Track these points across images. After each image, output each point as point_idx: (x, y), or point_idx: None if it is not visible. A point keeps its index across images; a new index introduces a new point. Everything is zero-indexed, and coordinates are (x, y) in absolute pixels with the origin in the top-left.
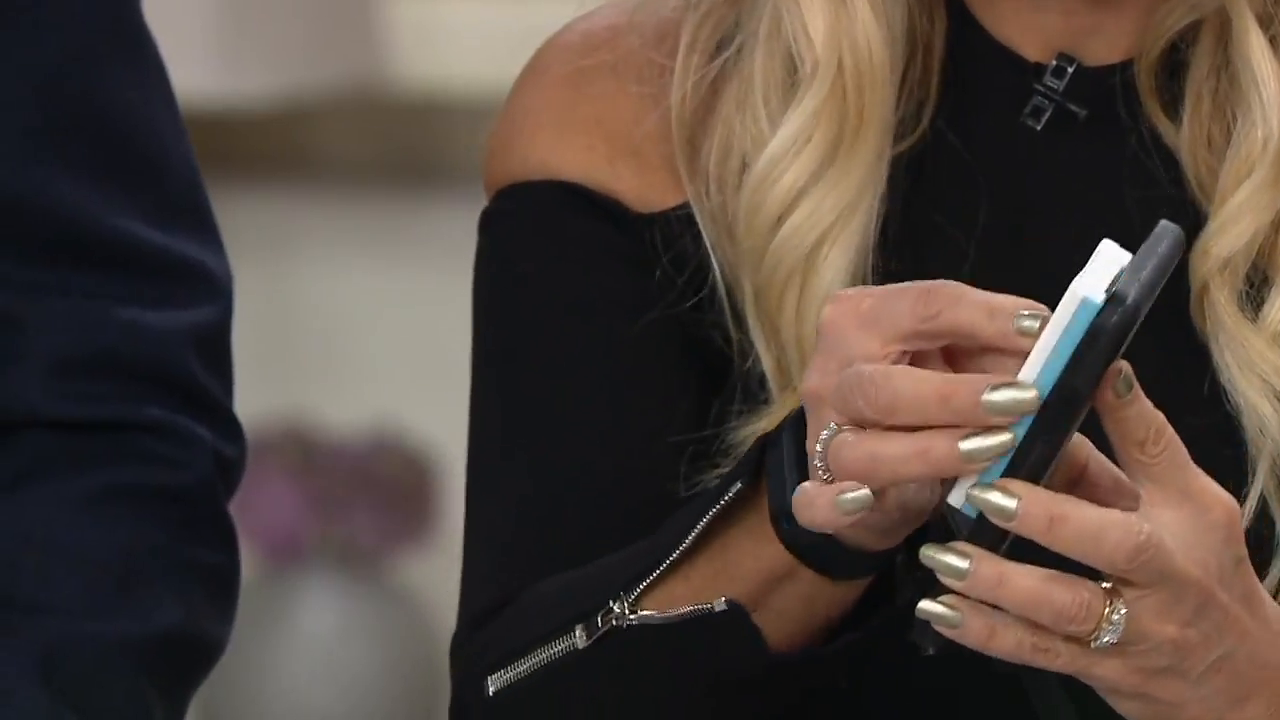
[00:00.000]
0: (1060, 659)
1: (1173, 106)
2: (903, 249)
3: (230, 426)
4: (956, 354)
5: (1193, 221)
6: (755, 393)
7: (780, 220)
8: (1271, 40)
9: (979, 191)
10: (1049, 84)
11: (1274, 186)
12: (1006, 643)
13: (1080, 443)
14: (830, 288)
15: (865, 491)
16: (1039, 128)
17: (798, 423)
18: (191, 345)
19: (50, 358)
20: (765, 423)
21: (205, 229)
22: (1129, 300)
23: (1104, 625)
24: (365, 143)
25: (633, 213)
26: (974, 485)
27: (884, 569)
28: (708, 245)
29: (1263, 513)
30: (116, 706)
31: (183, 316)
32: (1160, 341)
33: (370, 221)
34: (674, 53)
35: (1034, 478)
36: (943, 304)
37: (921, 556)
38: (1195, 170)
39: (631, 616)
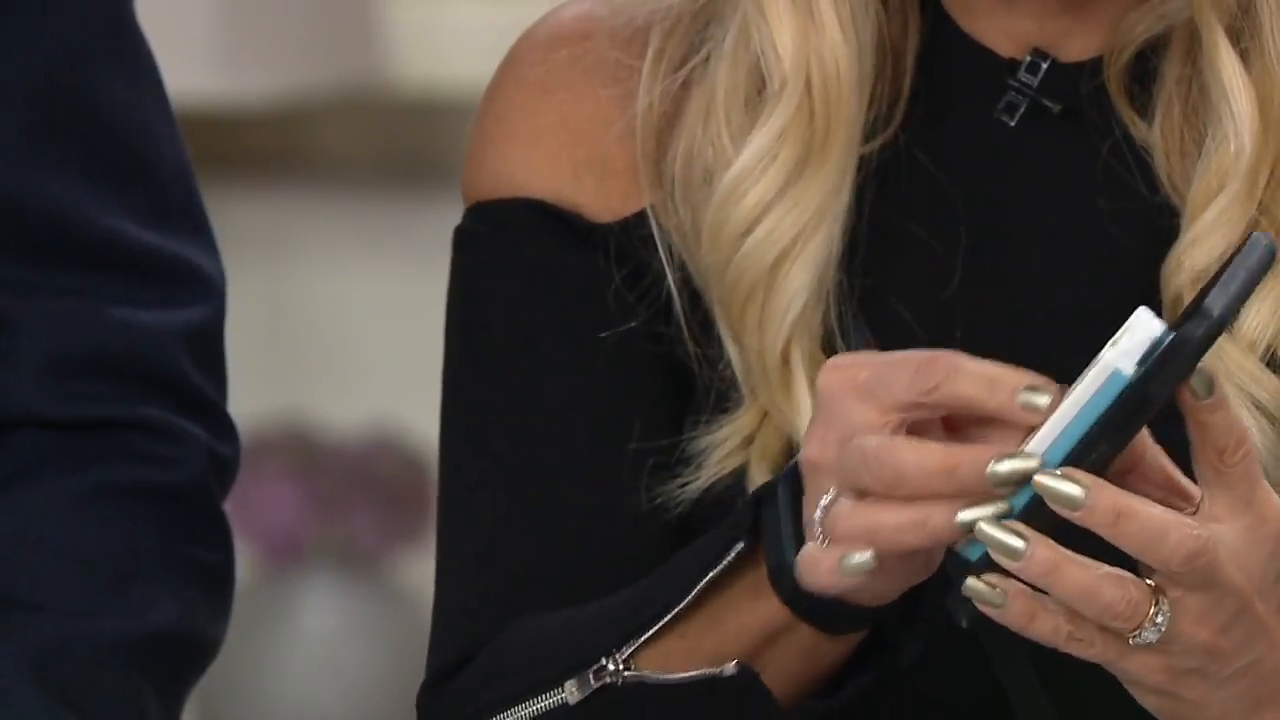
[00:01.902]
0: (1094, 649)
1: (1144, 110)
2: (874, 263)
3: (224, 425)
4: (957, 420)
5: (1166, 220)
6: (717, 402)
7: (743, 236)
8: (1243, 54)
9: (952, 193)
10: (1023, 79)
11: (1246, 200)
12: (1045, 628)
13: (1141, 436)
14: (793, 303)
15: (869, 555)
16: (1013, 123)
17: (792, 476)
18: (184, 344)
19: (43, 357)
20: (726, 431)
21: (198, 228)
22: (1215, 314)
23: (1147, 624)
24: (365, 143)
25: (595, 224)
26: (1042, 471)
27: (876, 623)
28: (662, 255)
29: None
30: (111, 705)
31: (175, 316)
32: None
33: (370, 221)
34: (643, 55)
35: (1097, 472)
36: (940, 377)
37: (977, 531)
38: (1168, 171)
39: (627, 673)
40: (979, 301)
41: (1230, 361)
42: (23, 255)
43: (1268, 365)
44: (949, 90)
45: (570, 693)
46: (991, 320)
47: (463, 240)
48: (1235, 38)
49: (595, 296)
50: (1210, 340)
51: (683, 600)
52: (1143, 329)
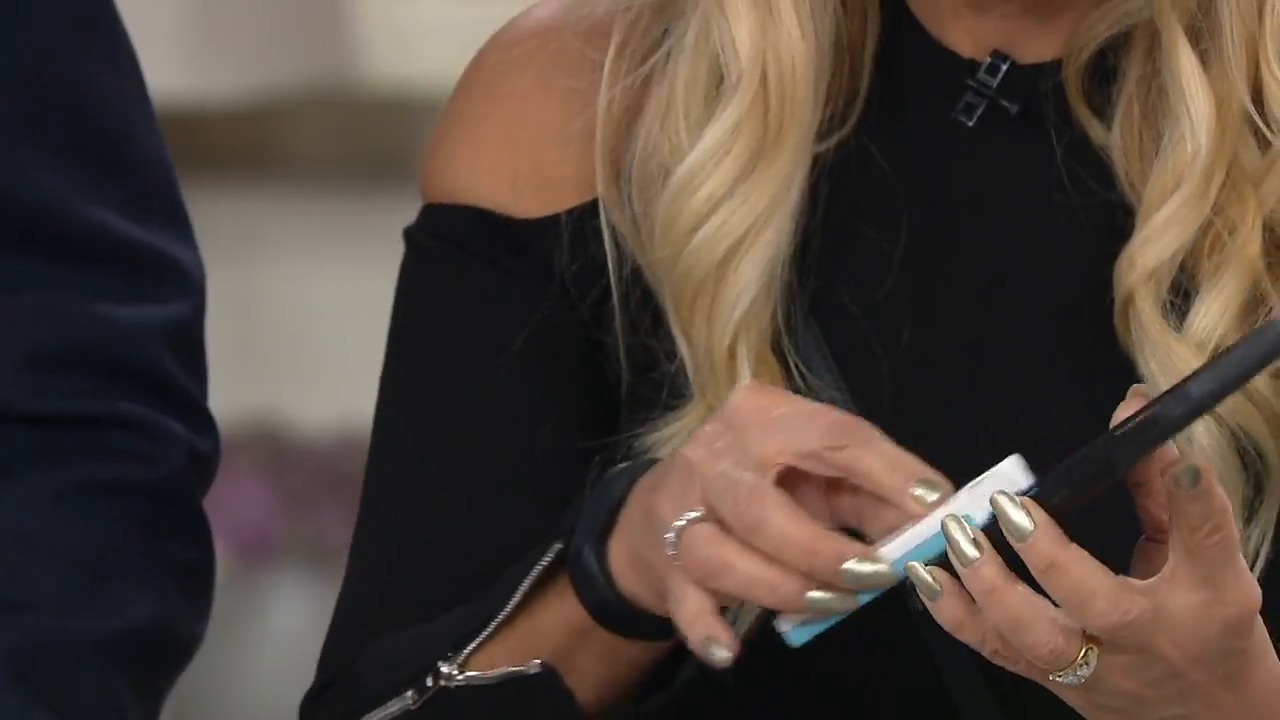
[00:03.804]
0: (1019, 668)
1: (1104, 110)
2: (825, 261)
3: (204, 422)
4: (839, 482)
5: (1123, 223)
6: (668, 399)
7: (694, 231)
8: (1202, 55)
9: (906, 193)
10: (982, 80)
11: (1200, 200)
12: (972, 636)
13: (1166, 451)
14: (741, 298)
15: (727, 655)
16: (971, 123)
17: (614, 478)
18: (165, 340)
19: (23, 353)
20: (672, 429)
21: (179, 223)
22: (1194, 397)
23: (1069, 672)
24: (335, 140)
25: (524, 222)
26: (1000, 492)
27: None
28: (607, 250)
29: None
30: (90, 703)
31: (156, 311)
32: (1085, 353)
33: (340, 219)
34: (606, 49)
35: (1058, 513)
36: (852, 441)
37: (942, 525)
38: (1126, 170)
39: (459, 677)
40: (930, 302)
41: (1179, 363)
42: (4, 246)
43: None
44: (907, 90)
45: (410, 698)
46: (942, 321)
47: (409, 242)
48: (1195, 39)
49: (528, 309)
50: (1183, 423)
51: (506, 605)
52: (1008, 474)
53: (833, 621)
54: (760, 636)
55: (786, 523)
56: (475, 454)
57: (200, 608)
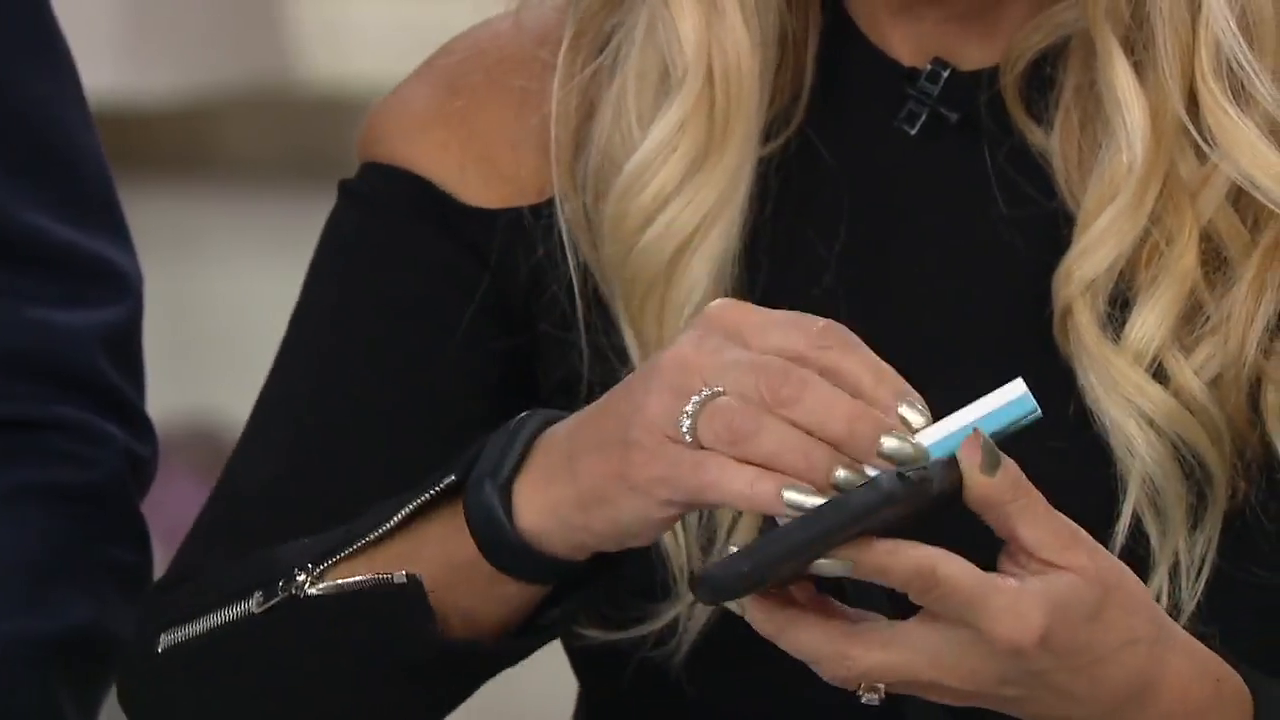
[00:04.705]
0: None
1: (1043, 119)
2: (773, 260)
3: (141, 425)
4: None
5: (1064, 228)
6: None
7: (643, 228)
8: (1137, 66)
9: (846, 198)
10: (924, 89)
11: (1136, 211)
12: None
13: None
14: (691, 296)
15: (814, 497)
16: (913, 132)
17: (528, 420)
18: (102, 344)
19: None
20: None
21: (116, 227)
22: (883, 486)
23: (863, 693)
24: (271, 140)
25: (469, 208)
26: (699, 584)
27: (562, 580)
28: (566, 245)
29: (1136, 531)
30: (28, 707)
31: (93, 315)
32: (1025, 364)
33: (276, 220)
34: (559, 53)
35: (763, 576)
36: (835, 344)
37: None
38: (1066, 179)
39: (312, 589)
40: (871, 308)
41: (1117, 374)
42: None
43: (1155, 376)
44: (850, 93)
45: (255, 603)
46: (882, 328)
47: (346, 193)
48: (1130, 49)
49: (461, 277)
50: (873, 509)
51: (384, 525)
52: (1013, 395)
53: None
54: (710, 638)
55: (831, 389)
56: (367, 413)
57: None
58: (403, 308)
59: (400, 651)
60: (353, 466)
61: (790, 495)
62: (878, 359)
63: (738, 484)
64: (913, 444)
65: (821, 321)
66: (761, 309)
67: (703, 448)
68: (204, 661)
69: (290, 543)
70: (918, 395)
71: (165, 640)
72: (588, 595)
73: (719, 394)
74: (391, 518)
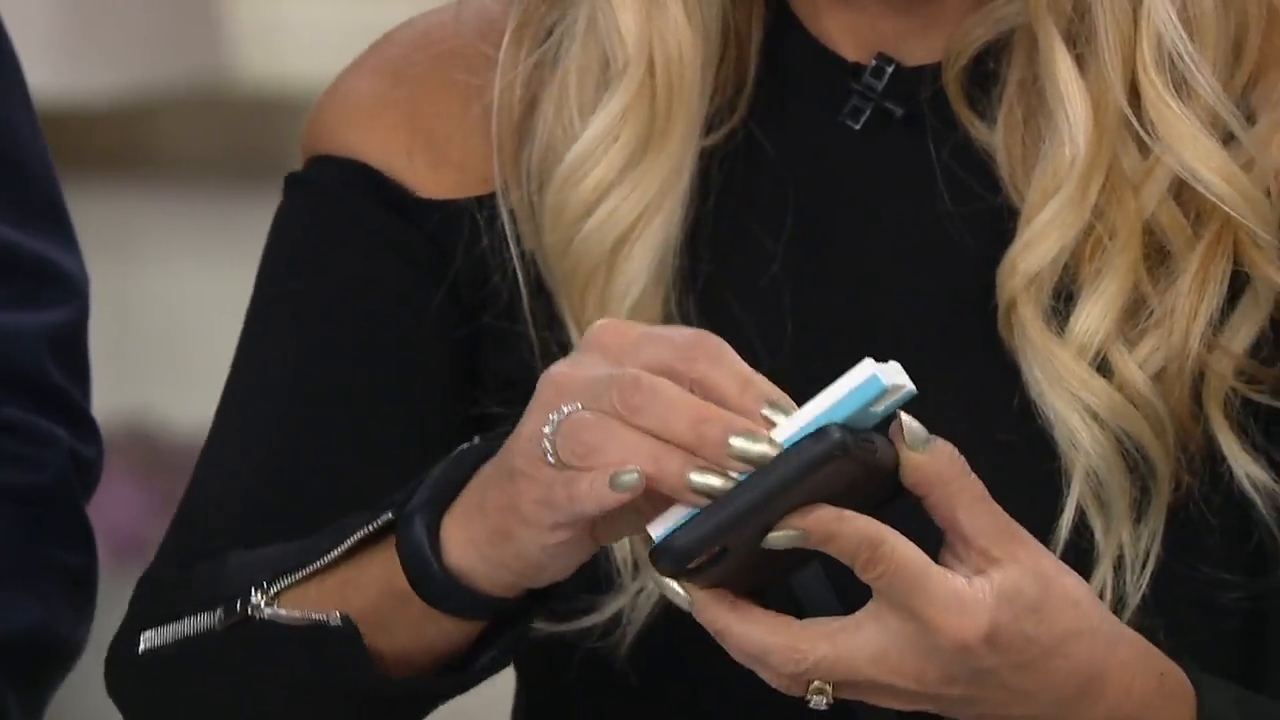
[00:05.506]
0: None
1: (987, 114)
2: (715, 252)
3: (87, 426)
4: None
5: (1008, 222)
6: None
7: (583, 218)
8: (1079, 59)
9: (790, 191)
10: (868, 84)
11: (1079, 204)
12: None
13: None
14: (631, 287)
15: (635, 474)
16: (857, 127)
17: (460, 459)
18: (47, 345)
19: None
20: None
21: (62, 229)
22: (833, 435)
23: (811, 695)
24: (208, 140)
25: (420, 199)
26: (660, 575)
27: (494, 617)
28: (509, 238)
29: (1080, 524)
30: None
31: (39, 317)
32: (969, 358)
33: (213, 219)
34: (500, 45)
35: (723, 534)
36: (702, 356)
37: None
38: (1010, 173)
39: (266, 610)
40: (813, 302)
41: (1061, 367)
42: None
43: (1099, 370)
44: (793, 87)
45: (218, 619)
46: (824, 320)
47: (293, 186)
48: (1072, 42)
49: (413, 267)
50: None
51: (330, 553)
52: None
53: (689, 515)
54: (655, 630)
55: (678, 394)
56: (342, 394)
57: (83, 613)
58: (368, 292)
59: (340, 686)
60: (331, 450)
61: (696, 478)
62: (746, 368)
63: (605, 488)
64: (766, 438)
65: (689, 333)
66: (640, 326)
67: (566, 466)
68: (177, 670)
69: (261, 549)
70: (789, 401)
71: (144, 641)
72: (519, 633)
73: (577, 410)
74: (342, 543)
